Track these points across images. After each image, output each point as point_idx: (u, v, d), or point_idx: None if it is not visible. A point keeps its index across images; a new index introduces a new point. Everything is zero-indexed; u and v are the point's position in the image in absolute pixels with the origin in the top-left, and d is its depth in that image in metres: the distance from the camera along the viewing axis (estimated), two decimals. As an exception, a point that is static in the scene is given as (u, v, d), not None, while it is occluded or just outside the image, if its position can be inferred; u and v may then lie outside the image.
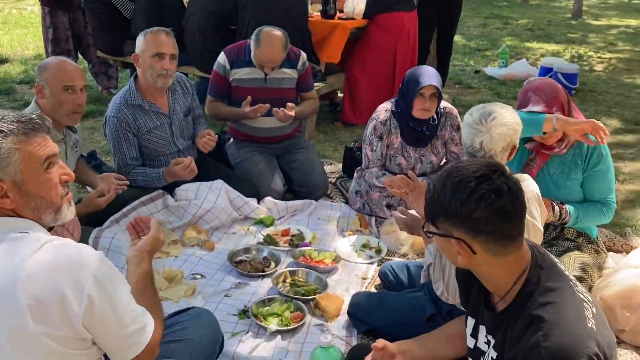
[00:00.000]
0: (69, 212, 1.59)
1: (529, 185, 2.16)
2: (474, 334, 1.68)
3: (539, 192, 2.17)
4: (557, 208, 2.55)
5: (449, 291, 2.01)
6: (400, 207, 2.35)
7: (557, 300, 1.44)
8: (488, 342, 1.60)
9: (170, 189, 3.29)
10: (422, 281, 2.18)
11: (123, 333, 1.47)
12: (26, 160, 1.46)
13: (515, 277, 1.49)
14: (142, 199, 3.15)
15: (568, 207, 2.58)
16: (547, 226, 2.72)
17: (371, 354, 1.81)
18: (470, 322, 1.70)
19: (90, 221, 2.94)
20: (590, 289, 2.53)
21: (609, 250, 2.99)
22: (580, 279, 2.47)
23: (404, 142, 3.31)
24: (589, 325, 1.41)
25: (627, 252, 2.93)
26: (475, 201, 1.41)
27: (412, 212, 2.27)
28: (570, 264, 2.55)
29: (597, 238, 2.78)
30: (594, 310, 1.49)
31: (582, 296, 1.50)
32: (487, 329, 1.61)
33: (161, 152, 3.31)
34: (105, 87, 5.81)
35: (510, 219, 1.43)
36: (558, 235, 2.73)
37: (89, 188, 3.14)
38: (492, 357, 1.58)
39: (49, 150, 1.51)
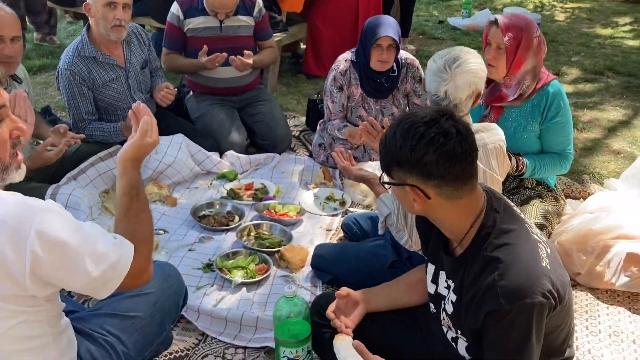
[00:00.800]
0: (17, 175, 1.49)
1: (496, 134, 2.16)
2: (435, 280, 1.71)
3: (503, 143, 2.17)
4: (514, 160, 2.58)
5: (412, 239, 2.04)
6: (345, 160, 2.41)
7: (512, 242, 1.48)
8: (448, 287, 1.64)
9: (129, 143, 3.20)
10: (380, 232, 2.20)
11: (88, 278, 1.38)
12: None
13: (471, 220, 1.52)
14: (100, 154, 3.07)
15: (525, 159, 2.61)
16: (506, 177, 2.76)
17: (335, 302, 1.83)
18: (431, 268, 1.73)
19: (46, 178, 2.86)
20: (549, 235, 2.59)
21: (567, 197, 3.06)
22: (541, 227, 2.53)
23: (364, 93, 3.28)
24: (543, 265, 1.46)
25: (584, 199, 3.01)
26: (425, 145, 1.43)
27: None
28: (532, 212, 2.60)
29: (555, 187, 2.83)
30: (548, 250, 1.54)
31: (536, 237, 1.54)
32: (447, 274, 1.64)
33: (118, 106, 3.20)
34: (47, 34, 5.57)
35: (460, 161, 1.45)
36: (518, 184, 2.78)
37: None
38: (451, 301, 1.62)
39: None
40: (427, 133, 1.43)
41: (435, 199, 1.48)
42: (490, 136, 2.13)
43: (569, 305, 1.56)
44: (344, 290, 1.84)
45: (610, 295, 2.47)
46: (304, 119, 4.07)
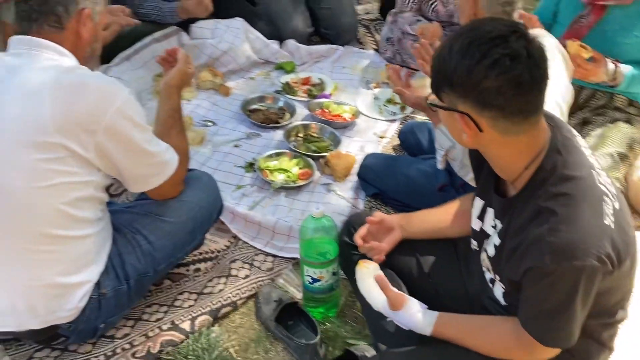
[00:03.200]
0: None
1: (548, 40, 1.84)
2: (481, 216, 1.51)
3: (562, 49, 1.86)
4: (611, 65, 2.20)
5: None
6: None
7: (572, 192, 1.24)
8: (494, 227, 1.44)
9: (186, 25, 3.05)
10: (439, 166, 1.97)
11: (142, 164, 1.57)
12: (104, 13, 1.63)
13: (527, 161, 1.28)
14: (155, 35, 2.95)
15: (623, 67, 2.23)
16: (594, 92, 2.41)
17: (365, 226, 1.68)
18: (479, 203, 1.52)
19: (100, 57, 2.79)
20: (630, 168, 2.27)
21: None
22: (623, 157, 2.22)
23: (443, -17, 2.88)
24: (606, 222, 1.23)
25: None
26: (486, 68, 1.16)
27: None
28: (616, 137, 2.28)
29: (650, 110, 2.44)
30: (616, 205, 1.29)
31: (604, 188, 1.29)
32: (495, 213, 1.44)
33: (177, -16, 3.01)
34: None
35: (527, 92, 1.18)
36: (607, 102, 2.42)
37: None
38: (494, 244, 1.43)
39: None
40: (491, 53, 1.16)
41: (488, 132, 1.24)
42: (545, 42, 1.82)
43: (630, 266, 1.34)
44: (377, 215, 1.67)
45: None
46: (377, 5, 3.71)
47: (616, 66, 2.22)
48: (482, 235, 1.51)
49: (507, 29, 1.18)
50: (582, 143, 1.36)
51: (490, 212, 1.46)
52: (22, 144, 1.41)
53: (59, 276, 1.52)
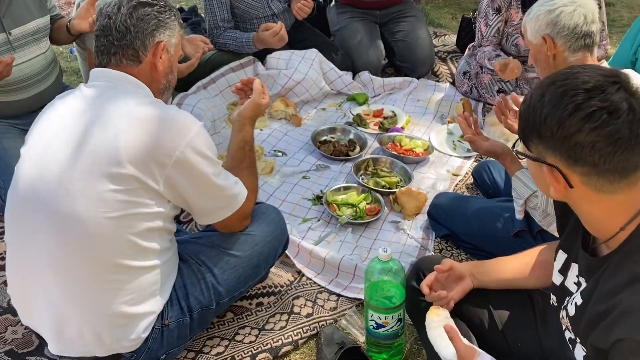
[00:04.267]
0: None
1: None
2: (563, 271, 1.40)
3: None
4: None
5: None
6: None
7: None
8: (578, 284, 1.33)
9: (262, 55, 3.10)
10: (517, 216, 1.87)
11: (211, 197, 1.58)
12: (178, 45, 1.67)
13: (624, 221, 1.16)
14: (232, 65, 3.00)
15: None
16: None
17: (433, 274, 1.60)
18: (562, 256, 1.41)
19: (177, 85, 2.85)
20: None
21: None
22: None
23: (525, 18, 2.78)
24: None
25: None
26: (579, 120, 1.07)
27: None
28: None
29: None
30: None
31: None
32: (580, 269, 1.32)
33: (254, 15, 3.07)
34: None
35: (625, 149, 1.07)
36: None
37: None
38: (576, 303, 1.31)
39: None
40: (587, 105, 1.06)
41: (579, 189, 1.14)
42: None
43: None
44: (447, 263, 1.59)
45: None
46: (455, 38, 3.64)
47: None
48: (563, 291, 1.39)
49: (605, 80, 1.08)
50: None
51: (574, 268, 1.35)
52: (95, 175, 1.44)
53: (126, 306, 1.52)
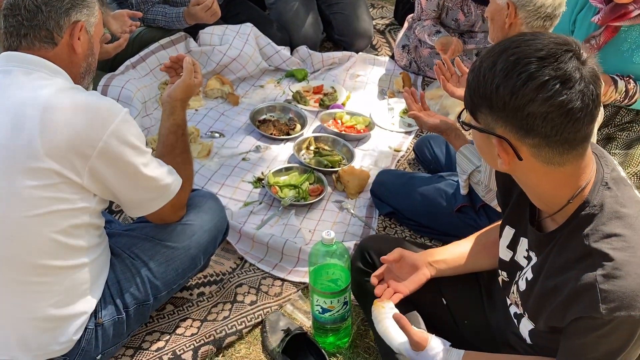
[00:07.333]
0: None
1: None
2: (512, 246, 1.38)
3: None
4: (621, 82, 2.08)
5: None
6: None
7: (627, 233, 1.12)
8: (528, 258, 1.31)
9: (194, 31, 2.95)
10: (462, 192, 1.86)
11: (141, 189, 1.47)
12: (99, 24, 1.53)
13: (571, 193, 1.15)
14: (162, 41, 2.85)
15: (638, 84, 2.12)
16: (618, 109, 2.27)
17: (383, 267, 1.54)
18: (509, 231, 1.39)
19: (105, 65, 2.69)
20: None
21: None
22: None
23: (466, -8, 2.76)
24: None
25: None
26: (533, 90, 1.02)
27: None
28: None
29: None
30: None
31: None
32: (530, 243, 1.31)
33: (185, -12, 2.90)
34: None
35: (576, 120, 1.04)
36: (633, 118, 2.28)
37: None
38: (527, 278, 1.30)
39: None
40: (540, 74, 1.02)
41: (528, 161, 1.11)
42: None
43: None
44: (396, 252, 1.51)
45: None
46: (393, 10, 3.59)
47: (627, 82, 2.10)
48: (513, 266, 1.38)
49: (558, 48, 1.04)
50: (622, 174, 1.23)
51: (523, 242, 1.34)
52: (12, 170, 1.32)
53: (53, 308, 1.42)
